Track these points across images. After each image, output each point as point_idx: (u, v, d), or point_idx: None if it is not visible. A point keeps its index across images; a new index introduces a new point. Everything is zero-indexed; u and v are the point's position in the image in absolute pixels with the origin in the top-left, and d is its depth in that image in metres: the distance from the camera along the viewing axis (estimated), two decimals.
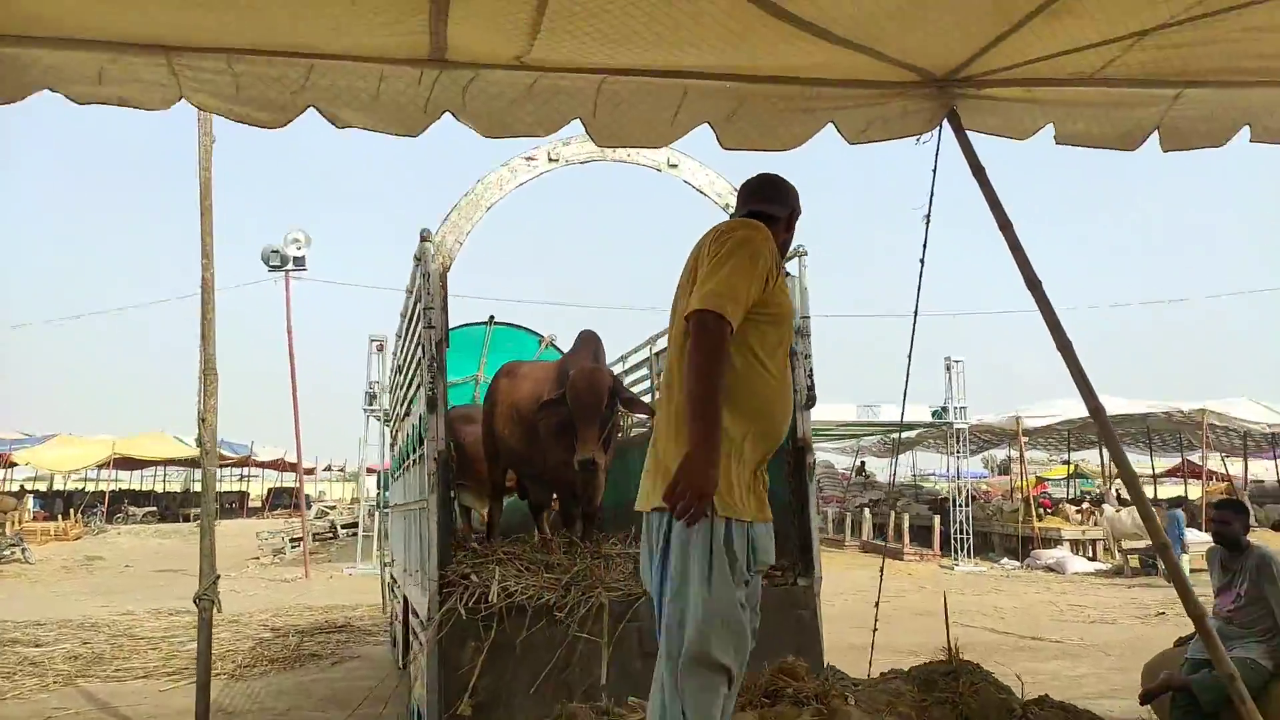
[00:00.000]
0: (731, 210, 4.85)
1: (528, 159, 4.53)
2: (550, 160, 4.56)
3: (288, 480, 43.91)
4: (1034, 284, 3.82)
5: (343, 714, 7.06)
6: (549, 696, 4.16)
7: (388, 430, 18.43)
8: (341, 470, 48.08)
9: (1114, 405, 20.46)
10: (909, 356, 4.56)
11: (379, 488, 17.09)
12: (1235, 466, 28.05)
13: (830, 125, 3.99)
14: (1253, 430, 21.01)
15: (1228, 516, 4.83)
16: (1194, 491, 29.59)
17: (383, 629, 11.05)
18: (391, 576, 7.96)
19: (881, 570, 5.38)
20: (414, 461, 5.17)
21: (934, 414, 17.62)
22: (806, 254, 4.78)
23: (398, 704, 7.09)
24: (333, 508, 34.81)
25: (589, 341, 5.26)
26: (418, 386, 4.80)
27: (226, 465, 33.94)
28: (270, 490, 42.20)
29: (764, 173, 3.10)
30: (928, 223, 4.36)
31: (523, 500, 6.08)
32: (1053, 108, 4.17)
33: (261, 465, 37.57)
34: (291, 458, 36.98)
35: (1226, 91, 4.14)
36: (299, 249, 17.41)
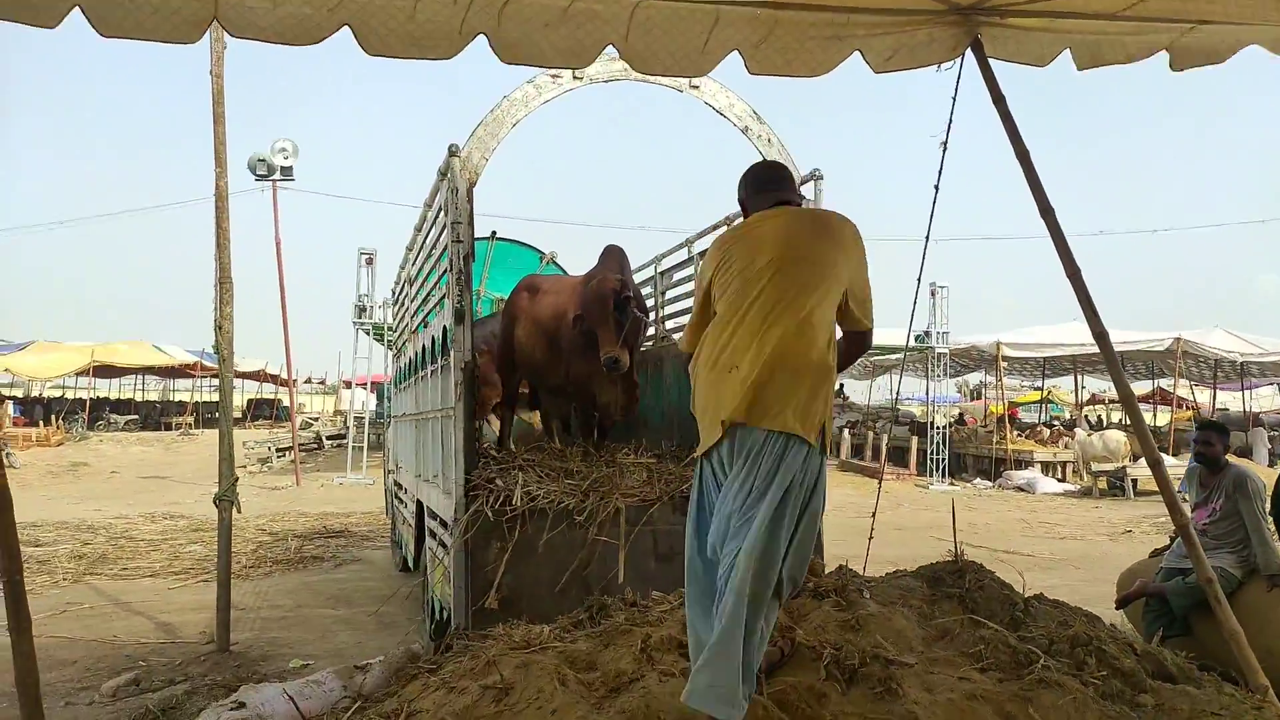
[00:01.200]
0: (750, 133, 4.96)
1: (553, 76, 4.57)
2: (575, 78, 4.61)
3: (268, 392, 43.94)
4: (1047, 210, 3.98)
5: (351, 611, 7.39)
6: (569, 593, 4.42)
7: (381, 343, 18.58)
8: (322, 383, 48.16)
9: (1089, 335, 20.89)
10: (919, 280, 4.73)
11: (378, 400, 17.26)
12: (1202, 396, 28.81)
13: (856, 54, 4.07)
14: (1225, 360, 21.56)
15: (1211, 438, 5.11)
16: (1162, 418, 30.46)
17: (380, 534, 11.40)
18: (395, 484, 8.19)
19: (879, 487, 5.66)
20: (434, 372, 5.33)
21: (917, 338, 17.95)
22: (822, 177, 4.89)
23: (403, 602, 7.43)
24: (316, 419, 35.01)
25: (613, 255, 5.37)
26: (441, 298, 4.93)
27: (208, 375, 33.89)
28: (250, 401, 42.25)
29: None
30: (944, 150, 4.47)
31: (533, 411, 6.28)
32: (1072, 36, 4.26)
33: (242, 376, 37.61)
34: (273, 369, 37.05)
35: (1234, 30, 4.25)
36: (286, 159, 17.18)
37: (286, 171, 17.38)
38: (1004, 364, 20.37)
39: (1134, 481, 17.05)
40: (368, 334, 17.67)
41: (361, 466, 18.60)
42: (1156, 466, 3.72)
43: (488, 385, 6.20)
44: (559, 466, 4.86)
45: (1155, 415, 32.23)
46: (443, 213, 4.70)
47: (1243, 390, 28.40)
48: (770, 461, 2.46)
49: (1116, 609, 5.33)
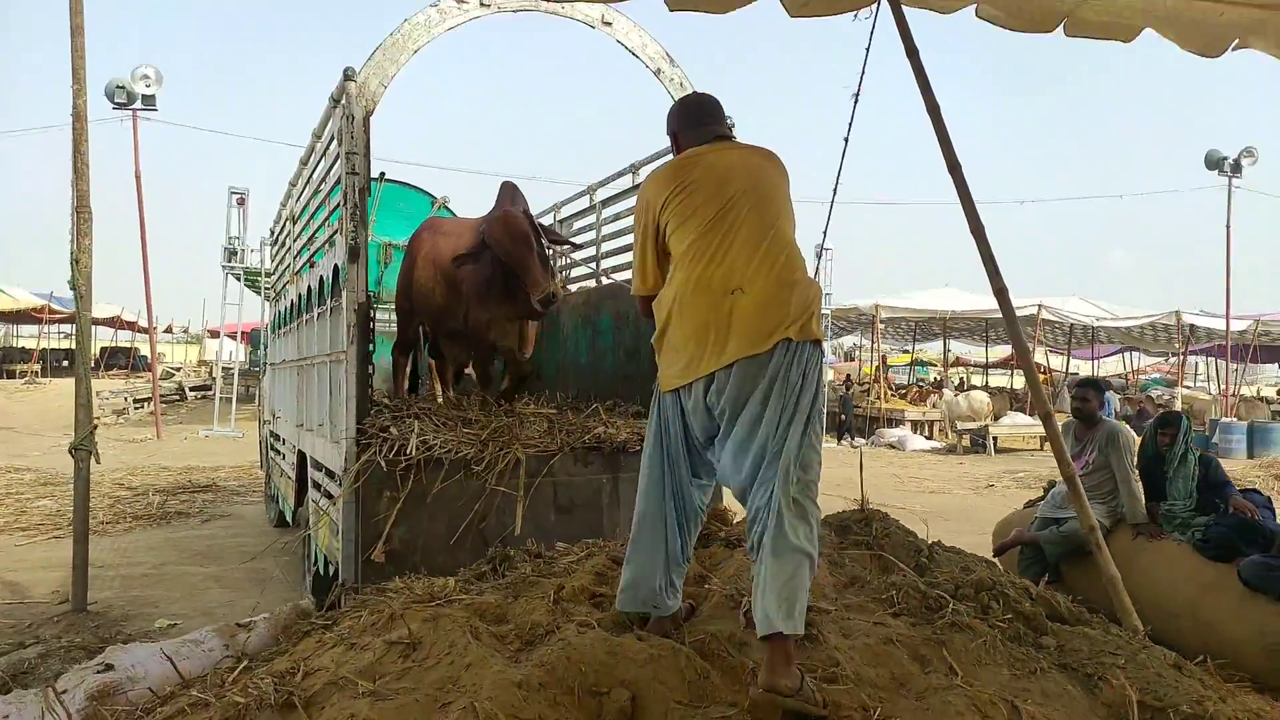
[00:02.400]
0: (663, 76, 4.82)
1: (458, 1, 4.31)
2: (482, 4, 4.36)
3: (123, 339, 41.28)
4: (954, 167, 4.02)
5: (221, 568, 7.01)
6: (465, 546, 4.28)
7: (254, 290, 17.61)
8: (185, 331, 45.63)
9: (959, 301, 21.94)
10: (824, 234, 4.73)
11: (252, 347, 16.36)
12: (1056, 360, 30.64)
13: None
14: (1079, 325, 22.92)
15: (1088, 394, 5.37)
16: (1019, 381, 32.29)
17: (252, 488, 10.88)
18: (271, 434, 7.79)
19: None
20: (321, 315, 5.03)
21: None
22: (733, 125, 4.80)
23: (278, 558, 7.09)
24: (177, 369, 33.13)
25: (509, 190, 5.17)
26: (331, 236, 4.63)
27: (57, 320, 31.53)
28: (104, 350, 39.61)
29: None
30: (855, 101, 4.47)
31: (432, 358, 6.04)
32: None
33: (97, 322, 35.08)
34: (128, 315, 34.75)
35: None
36: (148, 86, 15.90)
37: (149, 100, 16.10)
38: (880, 326, 21.09)
39: (994, 439, 17.99)
40: (238, 279, 16.71)
41: (230, 419, 17.71)
42: (1048, 419, 3.85)
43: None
44: (456, 415, 4.68)
45: (1012, 378, 34.20)
46: (335, 142, 4.40)
47: (1093, 357, 30.36)
48: (797, 371, 2.47)
49: (993, 557, 5.57)
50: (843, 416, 19.55)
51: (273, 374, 7.92)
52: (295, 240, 6.13)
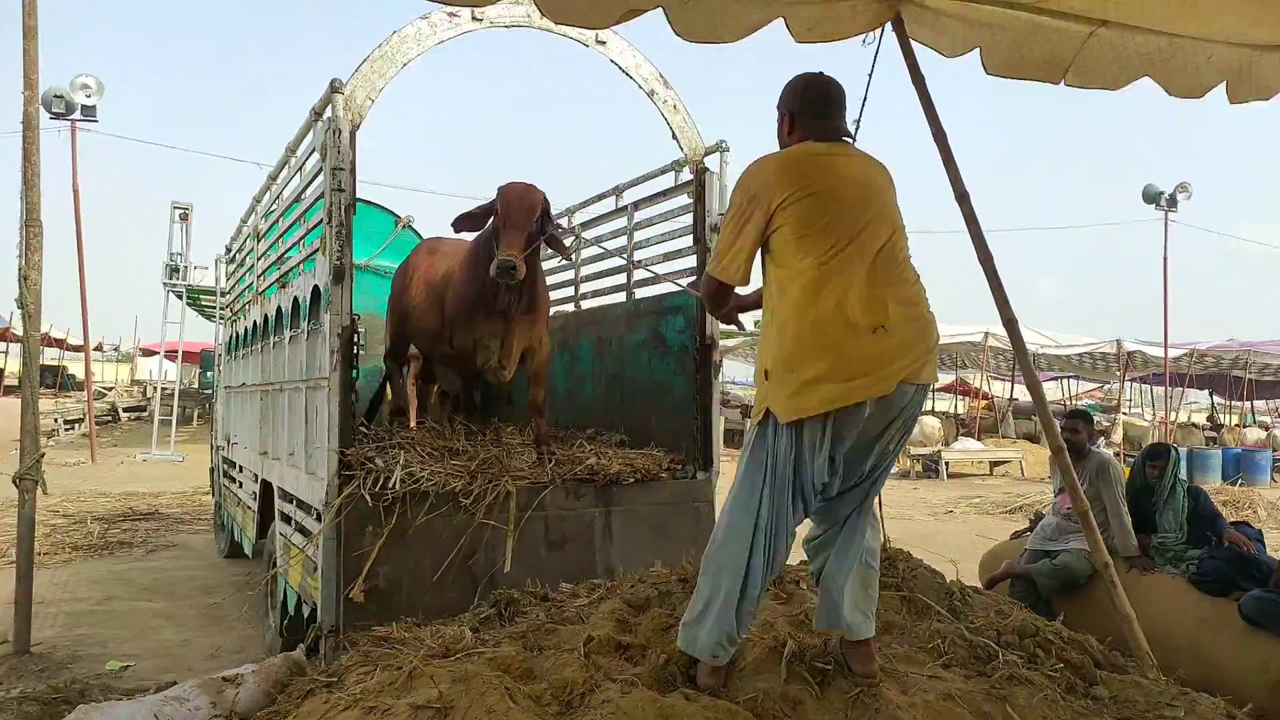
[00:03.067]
0: (656, 97, 4.70)
1: (450, 15, 4.13)
2: (474, 19, 4.19)
3: (51, 357, 39.66)
4: (962, 196, 3.96)
5: (172, 603, 6.62)
6: (452, 584, 4.05)
7: (195, 308, 17.00)
8: (116, 349, 44.08)
9: None
10: None
11: (202, 369, 15.74)
12: (998, 386, 31.23)
13: (780, 21, 3.91)
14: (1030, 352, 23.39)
15: (1077, 425, 5.34)
16: (961, 407, 32.85)
17: (199, 516, 10.39)
18: (225, 461, 7.42)
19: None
20: (294, 337, 4.76)
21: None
22: (729, 149, 4.71)
23: (233, 592, 6.73)
24: (109, 389, 31.92)
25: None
26: (310, 255, 4.39)
27: None
28: None
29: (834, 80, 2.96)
30: (857, 126, 4.38)
31: (429, 384, 5.77)
32: (983, 29, 4.26)
33: (17, 340, 33.58)
34: (57, 333, 33.36)
35: (1135, 36, 4.38)
36: (89, 96, 15.30)
37: (88, 111, 15.49)
38: None
39: (946, 464, 18.18)
40: (180, 297, 16.12)
41: (169, 442, 17.02)
42: (1060, 453, 3.79)
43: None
44: (442, 445, 4.45)
45: (955, 404, 34.75)
46: (319, 157, 4.17)
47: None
48: (909, 414, 2.48)
49: (984, 590, 5.50)
50: None
51: (228, 398, 7.55)
52: (260, 259, 5.85)
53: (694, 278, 4.79)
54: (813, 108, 2.75)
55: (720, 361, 4.81)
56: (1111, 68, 4.47)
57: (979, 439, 21.42)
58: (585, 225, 6.06)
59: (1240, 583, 4.45)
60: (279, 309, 5.14)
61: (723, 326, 4.45)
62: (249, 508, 6.11)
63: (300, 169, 4.71)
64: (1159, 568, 4.85)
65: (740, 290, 2.78)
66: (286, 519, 4.84)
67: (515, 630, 2.78)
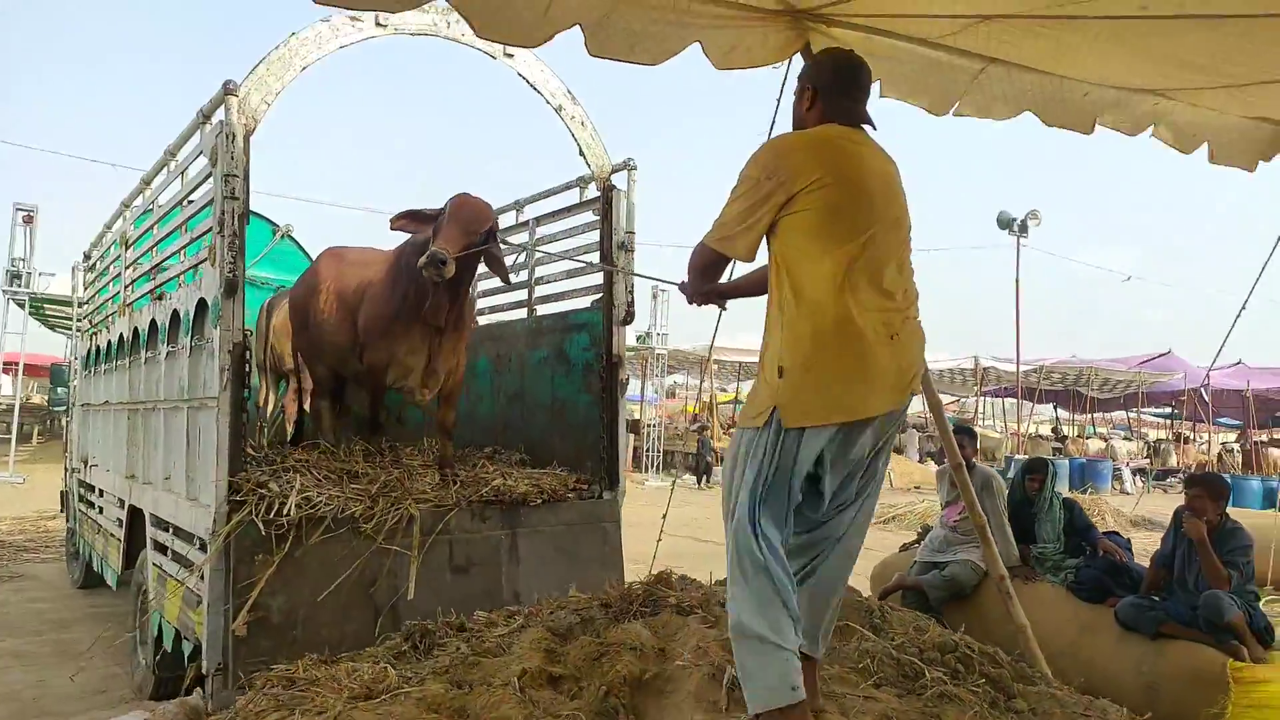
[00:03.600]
0: (564, 113, 4.65)
1: (353, 19, 3.96)
2: (378, 25, 4.03)
3: None
4: None
5: (19, 641, 6.05)
6: (352, 615, 3.85)
7: (38, 317, 15.67)
8: None
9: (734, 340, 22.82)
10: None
11: (53, 384, 14.51)
12: None
13: (697, 46, 3.94)
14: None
15: (963, 441, 5.56)
16: None
17: (46, 543, 9.57)
18: (82, 484, 6.86)
19: (671, 491, 5.56)
20: (175, 353, 4.45)
21: (639, 339, 18.46)
22: (635, 168, 4.70)
23: (90, 626, 6.20)
24: None
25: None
26: (195, 265, 4.11)
27: None
28: None
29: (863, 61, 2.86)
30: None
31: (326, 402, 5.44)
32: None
33: None
34: None
35: (1022, 74, 4.63)
36: None
37: None
38: (714, 367, 21.59)
39: None
40: (22, 306, 14.88)
41: (9, 462, 15.65)
42: (959, 470, 3.93)
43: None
44: (338, 468, 4.23)
45: None
46: (208, 162, 3.92)
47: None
48: (894, 430, 2.45)
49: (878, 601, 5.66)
50: (706, 458, 19.31)
51: (85, 416, 6.99)
52: (129, 268, 5.45)
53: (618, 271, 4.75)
54: (839, 88, 2.59)
55: (627, 379, 4.78)
56: (998, 101, 4.71)
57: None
58: None
59: (1114, 590, 4.73)
60: (154, 322, 4.80)
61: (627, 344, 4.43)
62: (112, 535, 5.66)
63: (182, 174, 4.41)
64: (1040, 577, 5.10)
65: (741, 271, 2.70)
66: (161, 548, 4.50)
67: (437, 665, 2.65)
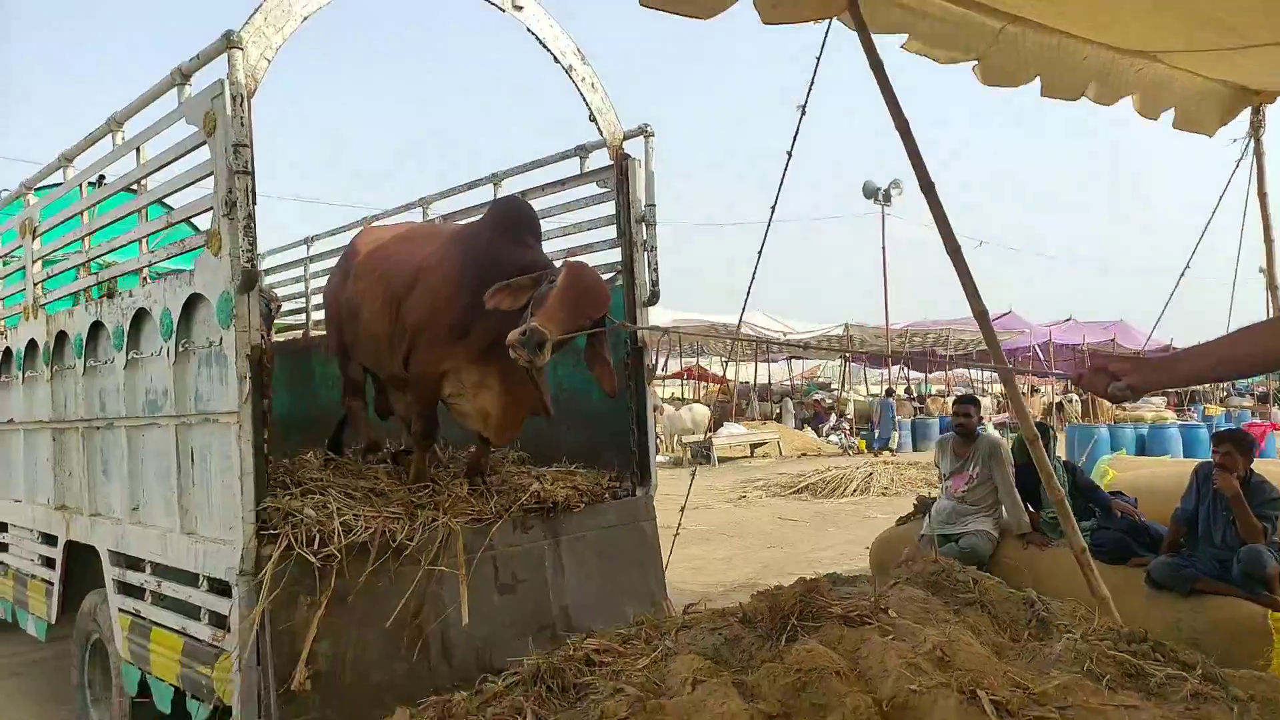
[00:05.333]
0: (574, 73, 4.26)
1: None
2: None
3: None
4: (928, 188, 3.88)
5: None
6: (401, 651, 3.37)
7: None
8: None
9: (664, 316, 22.82)
10: (759, 253, 4.40)
11: None
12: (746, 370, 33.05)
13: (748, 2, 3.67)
14: (766, 336, 24.89)
15: (968, 410, 5.53)
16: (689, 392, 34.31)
17: None
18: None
19: (690, 482, 5.25)
20: (140, 360, 3.76)
21: None
22: (653, 134, 4.32)
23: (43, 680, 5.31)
24: None
25: (511, 211, 3.92)
26: (172, 255, 3.47)
27: None
28: None
29: None
30: (802, 113, 4.19)
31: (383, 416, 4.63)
32: (912, 15, 4.24)
33: None
34: None
35: (1037, 34, 4.57)
36: None
37: None
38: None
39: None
40: None
41: None
42: (1034, 444, 3.83)
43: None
44: (363, 486, 3.69)
45: (685, 388, 36.27)
46: (187, 128, 3.28)
47: (768, 364, 33.25)
48: None
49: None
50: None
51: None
52: (35, 262, 4.62)
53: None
54: None
55: (653, 366, 4.42)
56: (1011, 64, 4.64)
57: (735, 420, 22.49)
58: (455, 215, 5.40)
59: (1137, 550, 4.80)
60: (98, 324, 4.06)
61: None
62: (34, 578, 4.83)
63: (137, 149, 3.71)
64: (1053, 542, 5.13)
65: None
66: (131, 591, 3.84)
67: (607, 712, 2.26)
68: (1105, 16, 4.24)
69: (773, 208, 4.41)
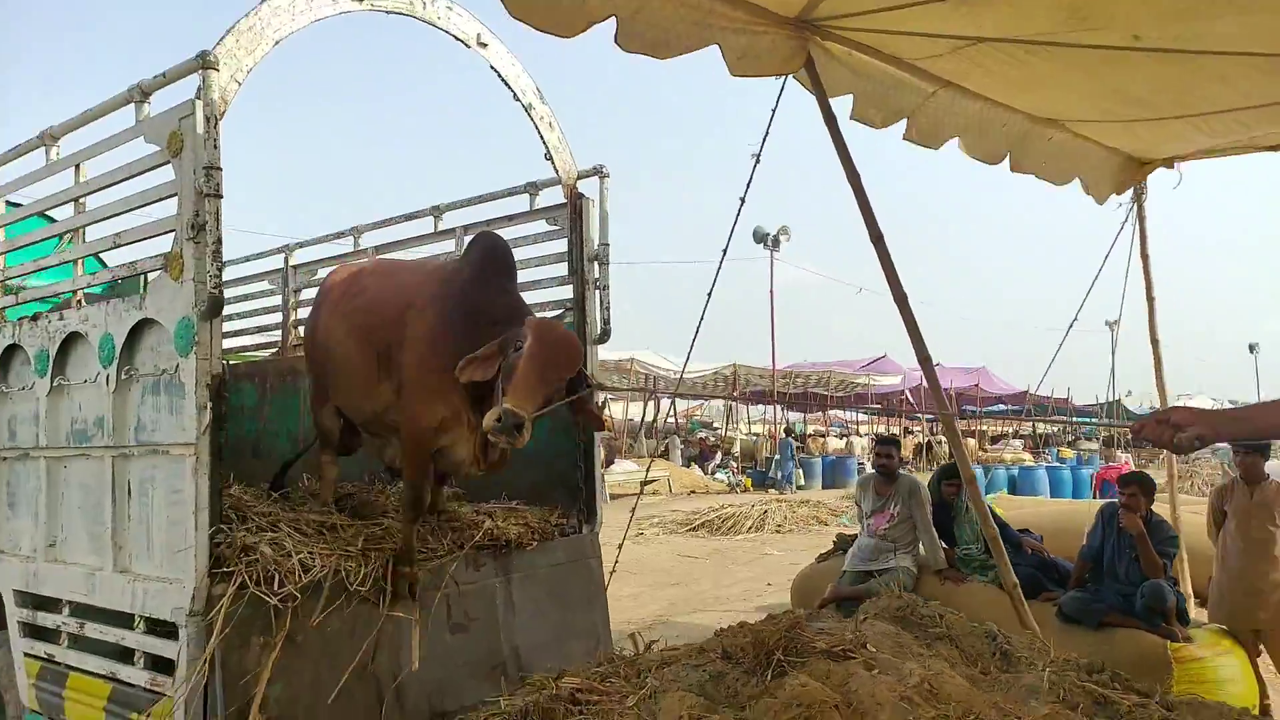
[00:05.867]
0: (533, 112, 4.28)
1: None
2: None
3: None
4: (878, 239, 4.07)
5: None
6: (356, 695, 3.24)
7: None
8: None
9: None
10: (708, 295, 4.50)
11: None
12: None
13: (716, 49, 3.81)
14: (659, 375, 25.21)
15: (890, 451, 5.76)
16: None
17: None
18: None
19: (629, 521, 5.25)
20: (66, 387, 3.53)
21: None
22: (608, 175, 4.38)
23: None
24: None
25: (494, 253, 3.64)
26: (142, 272, 3.29)
27: None
28: None
29: None
30: (756, 161, 4.34)
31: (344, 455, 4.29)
32: (858, 78, 4.48)
33: None
34: None
35: (964, 100, 4.88)
36: None
37: None
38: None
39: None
40: None
41: None
42: (971, 484, 4.03)
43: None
44: (314, 520, 3.54)
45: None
46: (145, 147, 3.14)
47: (656, 401, 33.67)
48: None
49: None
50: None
51: None
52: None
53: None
54: None
55: (603, 404, 4.43)
56: (933, 126, 4.94)
57: (625, 458, 22.58)
58: (389, 247, 5.30)
59: (1047, 585, 5.09)
60: (13, 348, 3.79)
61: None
62: None
63: (77, 166, 3.51)
64: (968, 578, 5.38)
65: None
66: (45, 634, 3.56)
67: None
68: (1029, 84, 4.57)
69: (724, 250, 4.55)
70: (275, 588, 3.02)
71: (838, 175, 4.22)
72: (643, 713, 2.55)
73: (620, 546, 5.09)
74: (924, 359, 4.09)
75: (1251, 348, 45.08)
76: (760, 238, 25.68)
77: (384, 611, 3.33)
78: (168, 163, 3.05)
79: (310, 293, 5.88)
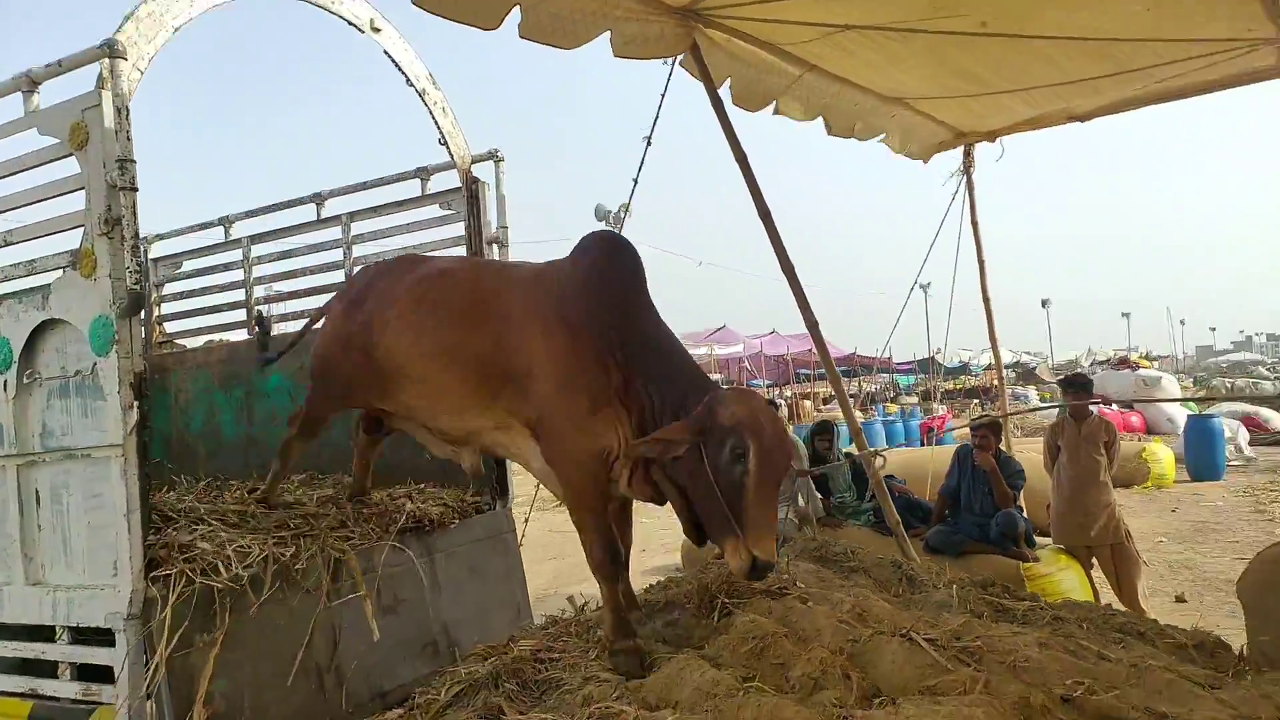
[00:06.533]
0: (427, 97, 4.32)
1: None
2: None
3: None
4: (766, 215, 4.37)
5: None
6: (298, 684, 3.26)
7: None
8: None
9: None
10: None
11: None
12: None
13: (607, 35, 3.97)
14: None
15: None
16: None
17: None
18: None
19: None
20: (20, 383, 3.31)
21: None
22: (503, 159, 4.47)
23: None
24: None
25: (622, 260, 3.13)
26: (72, 265, 3.12)
27: None
28: None
29: None
30: (648, 144, 4.51)
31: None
32: (735, 63, 4.77)
33: None
34: None
35: (827, 82, 5.25)
36: None
37: None
38: None
39: None
40: None
41: None
42: (857, 436, 4.42)
43: None
44: (234, 510, 3.48)
45: None
46: (40, 139, 3.00)
47: None
48: None
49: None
50: None
51: None
52: None
53: None
54: None
55: None
56: (800, 105, 5.31)
57: None
58: (263, 237, 5.16)
59: (912, 522, 5.62)
60: None
61: None
62: None
63: None
64: (844, 522, 5.86)
65: None
66: None
67: (590, 698, 2.40)
68: (884, 66, 4.98)
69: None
70: (214, 583, 2.99)
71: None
72: (606, 663, 2.73)
73: (526, 519, 5.21)
74: (811, 324, 4.44)
75: (1044, 303, 49.21)
76: (602, 215, 25.90)
77: (326, 592, 3.34)
78: (69, 155, 2.93)
79: (175, 287, 5.66)
